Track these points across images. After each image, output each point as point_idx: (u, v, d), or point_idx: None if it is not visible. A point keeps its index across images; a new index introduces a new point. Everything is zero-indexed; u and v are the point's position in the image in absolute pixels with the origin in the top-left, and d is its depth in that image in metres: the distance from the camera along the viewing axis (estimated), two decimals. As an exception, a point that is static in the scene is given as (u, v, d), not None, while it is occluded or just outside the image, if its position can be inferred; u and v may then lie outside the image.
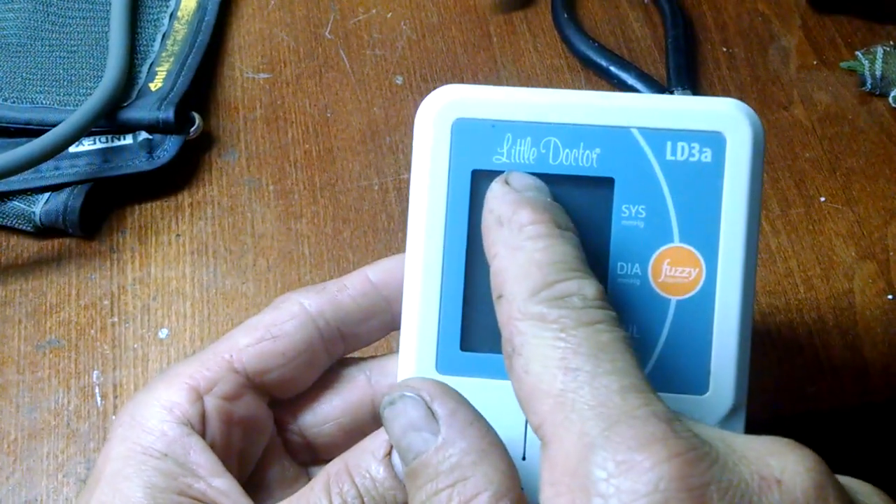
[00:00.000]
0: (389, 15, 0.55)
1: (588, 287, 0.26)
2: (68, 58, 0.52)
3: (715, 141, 0.29)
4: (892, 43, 0.51)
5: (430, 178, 0.30)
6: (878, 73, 0.50)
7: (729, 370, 0.29)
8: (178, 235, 0.48)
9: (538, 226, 0.27)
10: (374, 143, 0.50)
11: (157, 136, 0.48)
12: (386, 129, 0.51)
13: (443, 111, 0.31)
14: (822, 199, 0.48)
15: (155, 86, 0.50)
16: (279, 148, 0.50)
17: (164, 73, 0.51)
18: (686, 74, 0.51)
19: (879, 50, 0.50)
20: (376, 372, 0.34)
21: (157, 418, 0.30)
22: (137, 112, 0.49)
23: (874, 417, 0.43)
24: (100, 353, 0.44)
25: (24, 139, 0.47)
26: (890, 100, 0.50)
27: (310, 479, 0.33)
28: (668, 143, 0.30)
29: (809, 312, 0.44)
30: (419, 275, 0.30)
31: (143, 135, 0.48)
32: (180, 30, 0.53)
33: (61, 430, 0.42)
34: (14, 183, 0.47)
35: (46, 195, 0.47)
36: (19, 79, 0.51)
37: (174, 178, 0.49)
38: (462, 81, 0.52)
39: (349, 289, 0.33)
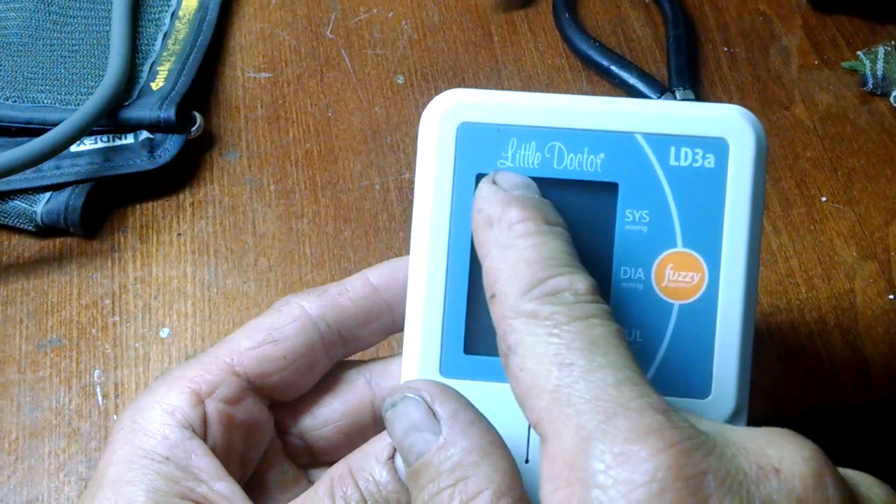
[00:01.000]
0: (391, 14, 0.55)
1: (579, 282, 0.26)
2: (70, 57, 0.52)
3: (718, 147, 0.30)
4: (893, 43, 0.51)
5: (435, 182, 0.30)
6: (879, 73, 0.50)
7: (731, 374, 0.29)
8: (179, 235, 0.48)
9: (527, 223, 0.27)
10: (376, 143, 0.50)
11: (159, 136, 0.48)
12: (387, 128, 0.51)
13: (448, 115, 0.31)
14: (824, 198, 0.48)
15: (156, 85, 0.50)
16: (280, 147, 0.50)
17: (166, 72, 0.51)
18: (687, 74, 0.51)
19: (881, 50, 0.50)
20: (376, 375, 0.34)
21: (158, 422, 0.30)
22: (139, 111, 0.49)
23: (875, 417, 0.43)
24: (101, 353, 0.44)
25: (26, 138, 0.47)
26: (891, 100, 0.50)
27: (309, 482, 0.33)
28: (672, 149, 0.30)
29: (811, 312, 0.44)
30: (423, 278, 0.30)
31: (145, 134, 0.48)
32: (182, 29, 0.53)
33: (62, 429, 0.42)
34: (15, 182, 0.47)
35: (48, 194, 0.47)
36: (21, 78, 0.51)
37: (175, 178, 0.49)
38: (463, 81, 0.52)
39: (350, 291, 0.33)
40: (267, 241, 0.47)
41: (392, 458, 0.28)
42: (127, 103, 0.49)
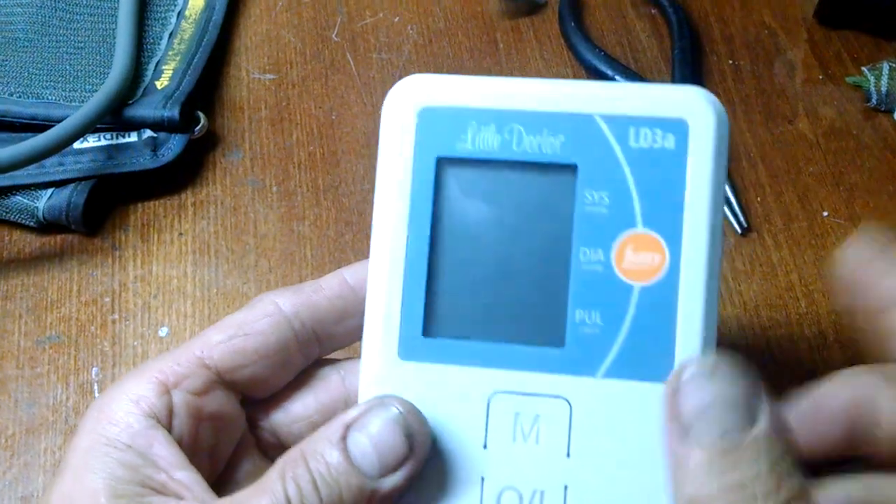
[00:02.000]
0: (397, 19, 0.55)
1: None
2: (75, 54, 0.52)
3: (678, 127, 0.29)
4: (898, 59, 0.51)
5: (396, 166, 0.30)
6: (883, 89, 0.50)
7: (693, 357, 0.29)
8: (180, 234, 0.48)
9: None
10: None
11: (162, 135, 0.49)
12: (391, 132, 0.51)
13: (408, 99, 0.31)
14: (825, 213, 0.48)
15: (161, 84, 0.50)
16: (283, 149, 0.50)
17: (171, 71, 0.51)
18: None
19: (885, 66, 0.50)
20: (350, 372, 0.34)
21: (123, 410, 0.30)
22: (143, 110, 0.49)
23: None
24: (99, 350, 0.44)
25: (29, 134, 0.46)
26: (895, 116, 0.50)
27: None
28: (631, 130, 0.30)
29: (810, 327, 0.44)
30: (383, 261, 0.30)
31: (148, 133, 0.48)
32: (187, 29, 0.53)
33: (59, 425, 0.42)
34: (18, 178, 0.47)
35: (50, 191, 0.47)
36: (26, 73, 0.51)
37: (178, 177, 0.49)
38: (468, 87, 0.52)
39: (325, 290, 0.33)
40: (268, 242, 0.47)
41: (344, 438, 0.28)
42: (131, 101, 0.49)
